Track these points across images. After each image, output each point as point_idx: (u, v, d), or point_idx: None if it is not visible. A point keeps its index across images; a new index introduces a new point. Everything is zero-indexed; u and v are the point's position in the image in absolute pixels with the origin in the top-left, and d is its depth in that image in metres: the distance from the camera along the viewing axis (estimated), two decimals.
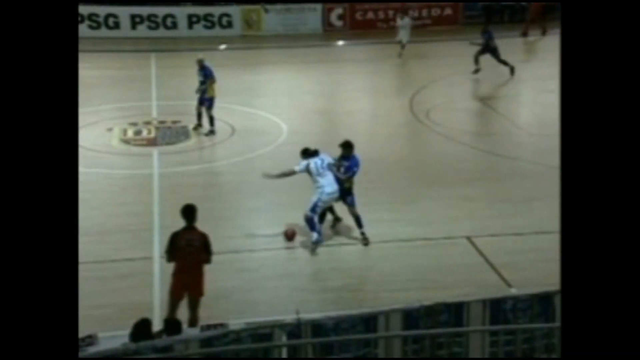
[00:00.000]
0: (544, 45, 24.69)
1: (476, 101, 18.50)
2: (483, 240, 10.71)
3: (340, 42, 25.64)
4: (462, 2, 27.32)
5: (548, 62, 22.08)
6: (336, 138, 15.14)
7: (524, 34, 25.78)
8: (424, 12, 27.28)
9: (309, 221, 10.60)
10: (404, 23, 22.35)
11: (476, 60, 19.68)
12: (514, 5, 28.30)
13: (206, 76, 15.27)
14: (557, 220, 12.03)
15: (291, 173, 10.90)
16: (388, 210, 12.02)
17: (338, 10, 27.25)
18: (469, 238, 10.83)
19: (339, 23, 27.30)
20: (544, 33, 25.68)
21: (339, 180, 10.66)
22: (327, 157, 10.87)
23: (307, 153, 10.93)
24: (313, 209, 10.59)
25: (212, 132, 15.50)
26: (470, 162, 14.48)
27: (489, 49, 19.71)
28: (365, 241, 10.80)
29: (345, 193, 10.76)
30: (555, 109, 18.39)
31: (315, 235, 10.59)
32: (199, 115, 15.65)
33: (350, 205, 10.84)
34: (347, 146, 10.90)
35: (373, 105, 19.36)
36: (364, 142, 14.01)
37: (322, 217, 10.91)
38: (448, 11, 27.48)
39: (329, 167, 10.69)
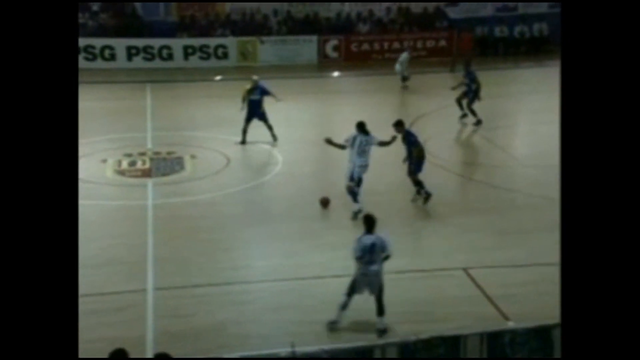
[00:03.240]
0: (537, 77, 24.88)
1: (471, 132, 18.54)
2: (480, 272, 10.63)
3: (336, 74, 25.79)
4: (454, 30, 27.60)
5: (542, 94, 22.25)
6: (331, 168, 15.14)
7: (451, 69, 25.15)
8: (419, 44, 27.54)
9: (350, 191, 12.65)
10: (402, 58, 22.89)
11: (472, 112, 18.64)
12: (508, 37, 28.61)
13: (263, 93, 17.00)
14: (553, 252, 11.91)
15: (342, 146, 12.88)
16: None
17: (333, 42, 27.48)
18: (465, 270, 10.75)
19: (334, 54, 27.51)
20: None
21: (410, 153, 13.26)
22: (374, 138, 12.74)
23: (361, 127, 12.74)
24: (351, 178, 12.66)
25: (275, 138, 17.19)
26: (466, 193, 14.47)
27: (471, 91, 18.53)
28: (426, 200, 13.18)
29: (413, 161, 13.18)
30: (549, 141, 18.47)
31: (356, 206, 12.55)
32: (245, 132, 16.93)
33: (411, 173, 13.25)
34: (398, 124, 13.28)
35: None
36: None
37: (359, 183, 12.83)
38: (442, 43, 27.73)
39: (368, 147, 12.68)
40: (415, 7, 29.04)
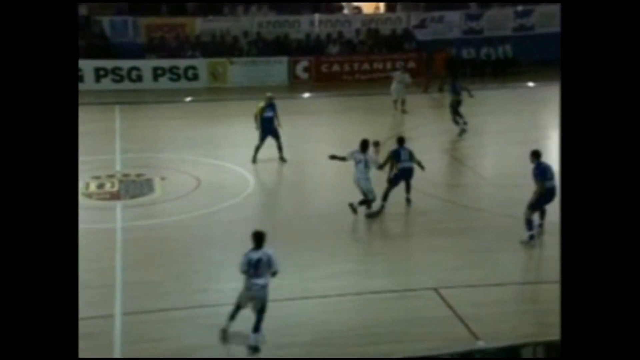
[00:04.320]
0: (504, 98, 25.22)
1: (440, 153, 18.69)
2: (450, 292, 10.67)
3: (306, 94, 25.87)
4: (425, 54, 27.89)
5: (509, 115, 22.55)
6: (303, 189, 15.11)
7: (425, 91, 25.45)
8: (389, 65, 27.74)
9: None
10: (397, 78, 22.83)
11: (457, 119, 19.54)
12: (475, 59, 29.01)
13: (275, 109, 17.16)
14: (523, 271, 11.99)
15: (343, 159, 13.73)
16: (354, 261, 11.95)
17: (304, 63, 27.59)
18: (436, 290, 10.78)
19: (304, 75, 27.61)
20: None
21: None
22: (371, 158, 13.55)
23: (364, 145, 13.54)
24: (368, 190, 13.53)
25: (283, 159, 17.24)
26: (437, 213, 14.53)
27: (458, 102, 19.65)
28: (364, 204, 13.51)
29: (393, 173, 13.99)
30: (517, 161, 18.54)
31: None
32: (257, 149, 17.08)
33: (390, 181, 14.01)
34: (400, 141, 14.24)
35: None
36: (331, 194, 14.03)
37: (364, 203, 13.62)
38: (412, 64, 27.98)
39: (367, 166, 13.39)
40: (384, 29, 29.34)
